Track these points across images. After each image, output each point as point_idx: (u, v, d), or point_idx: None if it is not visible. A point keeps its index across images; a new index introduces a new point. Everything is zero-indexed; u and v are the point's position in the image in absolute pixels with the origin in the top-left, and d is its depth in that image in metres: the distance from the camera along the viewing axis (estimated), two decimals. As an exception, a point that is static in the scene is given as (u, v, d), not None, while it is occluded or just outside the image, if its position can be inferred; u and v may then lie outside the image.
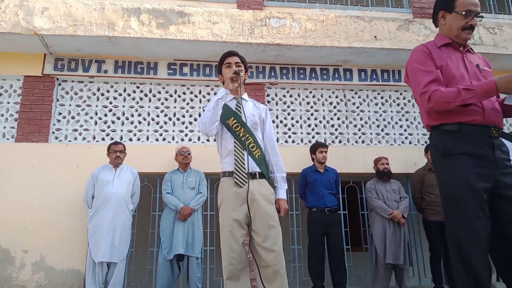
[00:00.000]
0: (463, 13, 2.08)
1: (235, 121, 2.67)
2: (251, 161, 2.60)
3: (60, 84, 5.31)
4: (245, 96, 2.82)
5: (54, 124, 5.16)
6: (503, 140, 2.10)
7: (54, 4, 4.93)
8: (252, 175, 2.59)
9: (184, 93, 5.50)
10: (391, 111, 5.84)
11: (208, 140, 5.33)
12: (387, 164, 5.03)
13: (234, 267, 2.47)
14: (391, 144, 5.70)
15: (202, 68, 5.50)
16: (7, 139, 5.02)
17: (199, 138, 5.35)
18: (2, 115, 5.09)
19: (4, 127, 5.05)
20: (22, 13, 4.83)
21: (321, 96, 5.76)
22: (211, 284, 5.13)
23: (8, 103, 5.15)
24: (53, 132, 5.12)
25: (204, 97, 5.51)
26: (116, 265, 4.23)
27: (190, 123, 5.40)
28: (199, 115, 5.42)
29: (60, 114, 5.21)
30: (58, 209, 4.74)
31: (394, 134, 5.75)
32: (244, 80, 2.75)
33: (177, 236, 4.38)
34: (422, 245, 5.39)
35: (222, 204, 2.63)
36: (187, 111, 5.43)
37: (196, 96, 5.51)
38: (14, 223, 4.64)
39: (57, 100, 5.25)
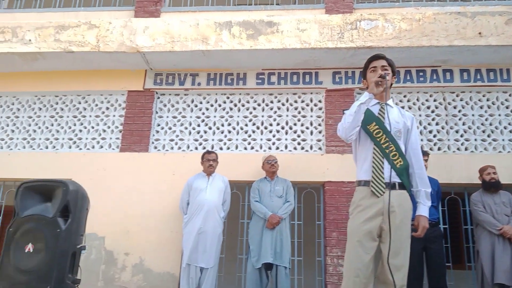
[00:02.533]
0: None
1: (377, 126, 2.51)
2: (391, 171, 2.40)
3: (159, 98, 5.69)
4: (390, 101, 2.63)
5: (154, 135, 5.53)
6: None
7: (154, 23, 5.32)
8: (392, 186, 2.39)
9: (271, 102, 5.54)
10: (499, 115, 5.24)
11: (295, 149, 5.29)
12: (494, 173, 4.51)
13: (360, 280, 2.28)
14: (499, 151, 5.10)
15: (290, 76, 5.49)
16: (113, 149, 5.49)
17: (286, 147, 5.33)
18: (109, 127, 5.60)
19: (111, 138, 5.54)
20: (126, 33, 5.28)
21: (417, 100, 5.39)
22: (300, 295, 5.04)
23: (114, 116, 5.64)
24: (153, 142, 5.49)
25: (291, 105, 5.49)
26: (208, 271, 4.33)
27: (278, 131, 5.41)
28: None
29: (158, 125, 5.58)
30: (156, 214, 5.02)
31: (503, 140, 5.14)
32: (391, 84, 2.58)
33: (265, 245, 4.38)
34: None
35: (353, 213, 2.48)
36: (275, 120, 5.45)
37: (283, 105, 5.51)
38: (116, 227, 5.00)
39: (156, 112, 5.63)
